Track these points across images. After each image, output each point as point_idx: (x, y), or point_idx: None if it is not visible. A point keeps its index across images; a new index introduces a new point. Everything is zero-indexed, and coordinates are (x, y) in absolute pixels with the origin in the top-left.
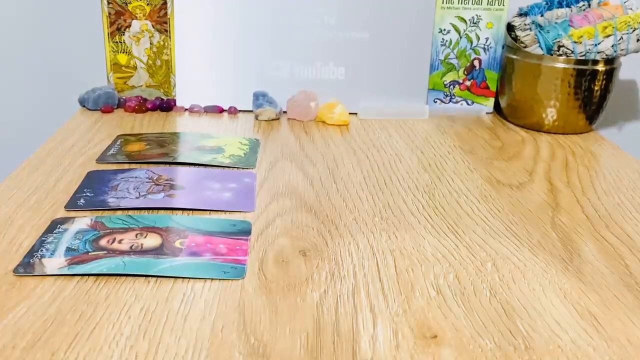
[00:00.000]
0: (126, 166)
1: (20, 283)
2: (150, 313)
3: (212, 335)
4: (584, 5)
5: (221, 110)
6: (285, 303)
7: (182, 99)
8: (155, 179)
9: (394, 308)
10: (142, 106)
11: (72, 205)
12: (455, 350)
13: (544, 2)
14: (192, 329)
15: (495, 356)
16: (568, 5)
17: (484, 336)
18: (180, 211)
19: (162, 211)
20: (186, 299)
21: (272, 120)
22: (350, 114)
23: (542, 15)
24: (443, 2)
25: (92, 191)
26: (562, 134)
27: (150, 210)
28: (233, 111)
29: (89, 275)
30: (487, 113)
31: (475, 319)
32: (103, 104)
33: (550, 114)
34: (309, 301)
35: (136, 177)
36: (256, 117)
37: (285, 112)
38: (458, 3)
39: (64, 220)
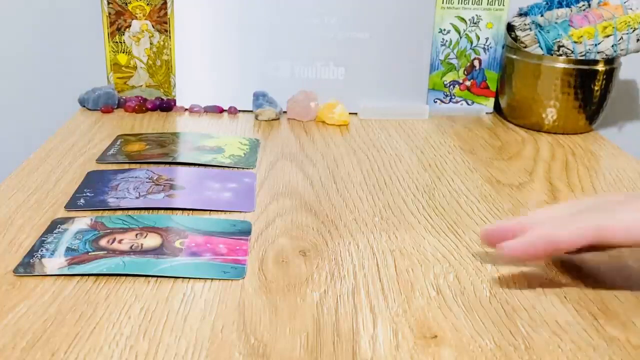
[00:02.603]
0: (126, 166)
1: (20, 283)
2: (150, 313)
3: (212, 335)
4: (584, 5)
5: (221, 110)
6: (285, 303)
7: (182, 99)
8: (155, 179)
9: (394, 308)
10: (142, 106)
11: (72, 205)
12: (455, 350)
13: (544, 2)
14: (192, 329)
15: (495, 356)
16: (568, 5)
17: (484, 336)
18: (180, 211)
19: (162, 211)
20: (186, 299)
21: (272, 120)
22: (350, 114)
23: (542, 15)
24: (443, 2)
25: (92, 191)
26: (562, 134)
27: (151, 210)
28: (233, 111)
29: (89, 275)
30: (487, 113)
31: (475, 319)
32: (103, 104)
33: (550, 114)
34: (309, 301)
35: (136, 177)
36: (256, 117)
37: (285, 112)
38: (458, 3)
39: (64, 220)
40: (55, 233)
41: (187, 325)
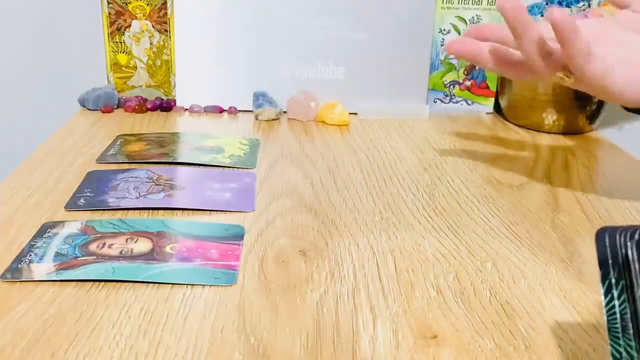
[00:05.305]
0: (126, 166)
1: (20, 283)
2: (150, 313)
3: (212, 336)
4: (583, 5)
5: (221, 110)
6: (285, 303)
7: (182, 99)
8: (155, 179)
9: (394, 308)
10: (142, 106)
11: (72, 205)
12: (455, 350)
13: (544, 2)
14: (192, 329)
15: (495, 356)
16: (568, 5)
17: (484, 336)
18: (180, 211)
19: (157, 214)
20: (186, 299)
21: (272, 120)
22: (350, 114)
23: (542, 15)
24: (443, 2)
25: (92, 191)
26: (562, 134)
27: (147, 214)
28: (233, 111)
29: (77, 281)
30: (487, 113)
31: (475, 319)
32: (103, 104)
33: (550, 114)
34: (309, 301)
35: (136, 177)
36: (256, 117)
37: (285, 112)
38: (458, 3)
39: (54, 224)
40: (44, 237)
41: (187, 325)
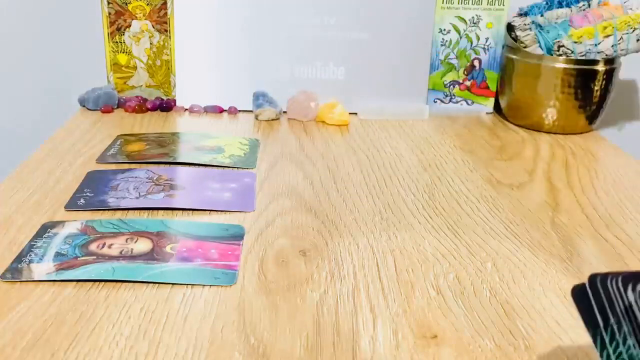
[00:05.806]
0: (126, 166)
1: (20, 283)
2: (150, 313)
3: (212, 336)
4: (584, 5)
5: (221, 110)
6: (285, 303)
7: (182, 99)
8: (155, 179)
9: (394, 308)
10: (142, 106)
11: (72, 205)
12: (455, 350)
13: (544, 2)
14: (192, 329)
15: (495, 356)
16: (568, 5)
17: (484, 336)
18: (180, 211)
19: (157, 214)
20: (186, 299)
21: (272, 120)
22: (350, 114)
23: (542, 15)
24: (443, 2)
25: (92, 191)
26: (562, 134)
27: (147, 214)
28: (233, 111)
29: (77, 281)
30: (487, 113)
31: (475, 319)
32: (103, 104)
33: (550, 114)
34: (309, 301)
35: (136, 177)
36: (256, 117)
37: (285, 112)
38: (458, 3)
39: (54, 224)
40: (44, 237)
41: (187, 325)
